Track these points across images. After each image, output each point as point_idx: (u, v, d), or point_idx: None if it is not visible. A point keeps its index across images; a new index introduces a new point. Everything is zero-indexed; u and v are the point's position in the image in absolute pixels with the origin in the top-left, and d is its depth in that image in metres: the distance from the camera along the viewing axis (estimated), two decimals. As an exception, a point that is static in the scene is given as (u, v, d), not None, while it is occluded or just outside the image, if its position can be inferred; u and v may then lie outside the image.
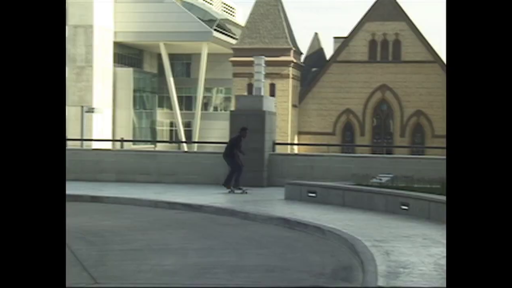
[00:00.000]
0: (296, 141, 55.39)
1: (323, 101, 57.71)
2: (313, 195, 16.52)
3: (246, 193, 17.53)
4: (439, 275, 7.91)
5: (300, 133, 57.68)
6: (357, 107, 57.32)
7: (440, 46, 45.72)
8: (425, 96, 55.21)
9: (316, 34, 65.77)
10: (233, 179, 18.00)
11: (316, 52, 64.10)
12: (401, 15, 56.64)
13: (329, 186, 16.61)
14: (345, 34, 59.03)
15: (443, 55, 57.41)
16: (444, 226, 12.06)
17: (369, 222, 12.72)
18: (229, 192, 17.71)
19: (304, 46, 64.78)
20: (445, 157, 18.80)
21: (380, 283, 7.47)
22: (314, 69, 60.50)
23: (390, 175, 17.05)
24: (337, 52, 58.60)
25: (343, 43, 58.46)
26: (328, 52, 63.09)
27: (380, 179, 16.70)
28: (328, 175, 20.12)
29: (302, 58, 61.46)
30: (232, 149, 18.38)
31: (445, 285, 7.40)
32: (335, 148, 47.18)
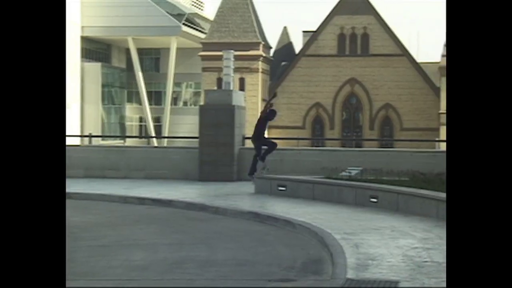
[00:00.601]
0: (266, 136, 55.45)
1: (293, 95, 57.86)
2: (283, 189, 16.58)
3: (267, 170, 16.87)
4: (408, 267, 8.00)
5: (270, 127, 57.68)
6: (326, 100, 57.57)
7: (407, 39, 46.14)
8: (394, 89, 55.63)
9: (285, 28, 65.95)
10: (264, 153, 16.99)
11: (285, 46, 64.23)
12: (369, 9, 56.97)
13: (299, 180, 16.68)
14: (314, 28, 59.19)
15: (410, 48, 58.00)
16: (412, 218, 12.24)
17: (339, 215, 12.80)
18: (254, 178, 16.84)
19: (273, 40, 64.88)
20: (413, 149, 19.05)
21: (349, 276, 7.54)
22: (283, 63, 60.63)
23: (359, 168, 17.19)
24: (306, 46, 58.77)
25: (312, 37, 58.64)
26: (297, 46, 63.35)
27: (349, 172, 16.83)
28: (298, 169, 20.19)
29: (272, 52, 61.56)
30: (261, 132, 17.51)
31: (412, 277, 7.50)
32: (305, 142, 47.35)
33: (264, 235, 10.99)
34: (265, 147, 17.38)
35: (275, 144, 17.21)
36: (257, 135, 17.24)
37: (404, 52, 56.48)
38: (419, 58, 58.31)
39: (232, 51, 23.04)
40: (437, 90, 53.15)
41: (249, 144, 27.33)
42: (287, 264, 8.60)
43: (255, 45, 56.26)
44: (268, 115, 17.51)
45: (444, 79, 51.37)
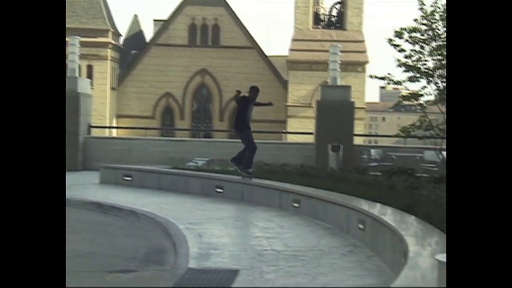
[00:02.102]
0: (114, 125, 54.47)
1: (143, 84, 57.14)
2: (129, 179, 16.39)
3: (250, 178, 13.75)
4: (248, 255, 8.13)
5: (119, 116, 56.75)
6: (177, 91, 57.36)
7: (257, 32, 46.95)
8: (243, 81, 56.24)
9: (135, 16, 64.97)
10: (246, 158, 13.97)
11: (136, 35, 63.27)
12: (220, 1, 57.30)
13: (145, 170, 16.57)
14: (165, 17, 58.75)
15: (260, 41, 59.03)
16: (256, 208, 12.49)
17: (184, 205, 12.82)
18: (237, 170, 14.13)
19: (123, 28, 63.69)
20: (260, 141, 19.31)
21: (191, 265, 7.56)
22: (134, 51, 59.70)
23: (206, 159, 17.32)
24: (157, 35, 58.22)
25: (163, 26, 58.16)
26: (148, 34, 62.57)
27: (196, 163, 16.93)
28: (145, 159, 20.06)
29: (121, 40, 60.42)
30: (242, 120, 14.22)
31: (251, 265, 7.64)
32: (154, 132, 47.01)
33: (106, 226, 10.80)
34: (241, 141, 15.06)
35: (255, 148, 14.14)
36: (240, 127, 14.27)
37: (253, 45, 57.35)
38: (268, 52, 59.56)
39: (77, 37, 22.40)
40: (285, 83, 54.50)
41: (97, 133, 26.75)
42: (128, 254, 8.49)
43: (103, 32, 54.91)
44: (248, 99, 14.37)
45: (291, 73, 52.81)
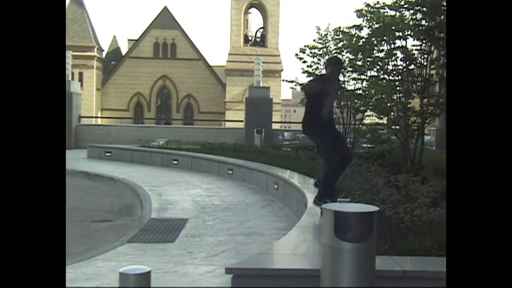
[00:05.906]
0: (99, 115, 53.01)
1: (120, 86, 55.79)
2: (109, 154, 16.04)
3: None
4: (195, 208, 8.06)
5: (102, 109, 55.29)
6: (145, 91, 56.24)
7: (203, 48, 46.13)
8: (193, 84, 55.76)
9: (114, 36, 63.38)
10: (322, 181, 5.87)
11: (115, 50, 61.63)
12: (176, 25, 56.40)
13: (121, 148, 16.23)
14: (136, 37, 57.46)
15: (205, 54, 58.20)
16: (201, 174, 12.37)
17: (149, 173, 12.60)
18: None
19: (105, 44, 61.82)
20: (204, 126, 19.15)
21: (153, 216, 7.45)
22: (113, 62, 58.17)
23: (165, 139, 17.08)
24: (130, 50, 56.84)
25: (134, 43, 56.83)
26: (124, 50, 61.01)
27: (158, 142, 16.66)
28: (121, 140, 19.73)
29: (104, 54, 58.72)
30: (312, 114, 5.86)
31: (197, 215, 7.57)
32: (129, 121, 46.01)
33: (91, 189, 10.51)
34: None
35: (340, 164, 5.73)
36: (309, 125, 6.13)
37: (201, 58, 56.63)
38: (212, 62, 58.97)
39: (70, 51, 21.71)
40: (224, 85, 54.15)
41: (86, 122, 25.98)
42: (107, 209, 8.30)
43: (91, 48, 53.20)
44: (323, 81, 5.74)
45: (228, 78, 52.52)
